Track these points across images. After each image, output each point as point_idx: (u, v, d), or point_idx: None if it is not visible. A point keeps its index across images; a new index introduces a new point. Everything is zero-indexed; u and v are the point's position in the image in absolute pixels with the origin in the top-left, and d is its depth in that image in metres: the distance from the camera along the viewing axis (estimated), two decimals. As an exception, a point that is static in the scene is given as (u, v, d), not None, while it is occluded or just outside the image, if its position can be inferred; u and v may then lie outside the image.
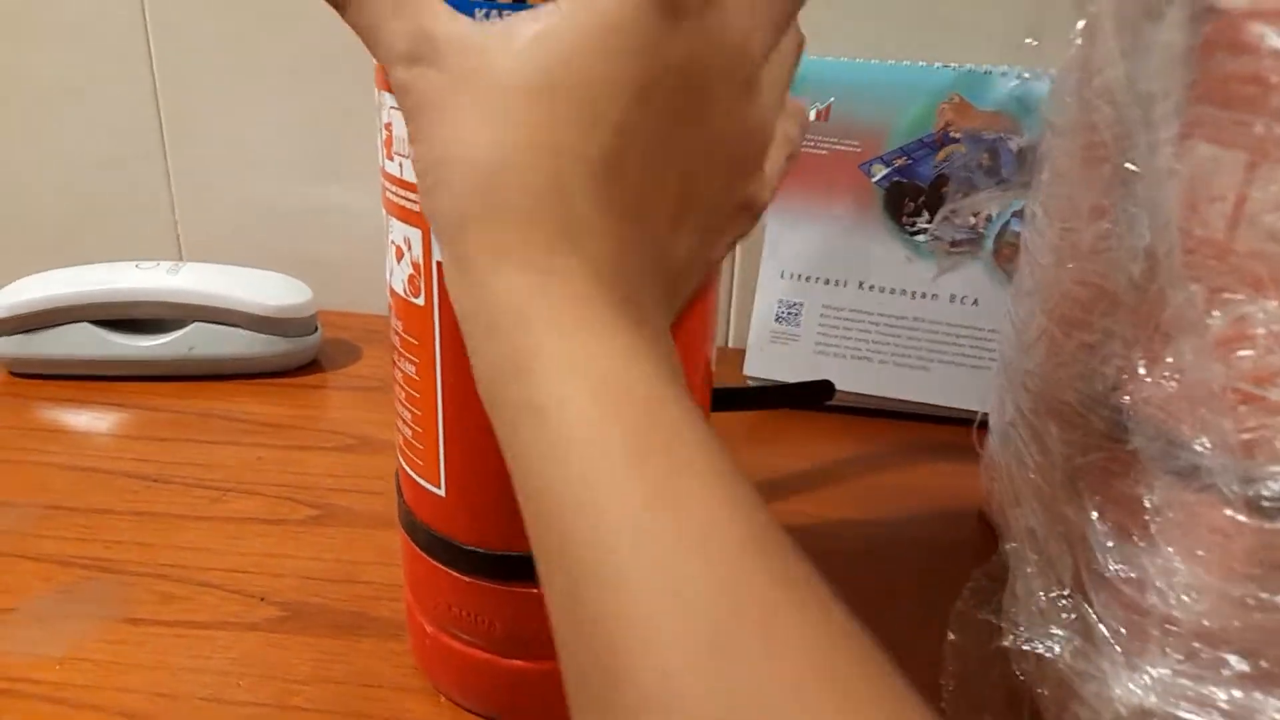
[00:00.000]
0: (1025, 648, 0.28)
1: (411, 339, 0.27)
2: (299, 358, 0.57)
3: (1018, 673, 0.28)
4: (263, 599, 0.37)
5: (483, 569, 0.29)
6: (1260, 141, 0.23)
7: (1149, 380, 0.26)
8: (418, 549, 0.30)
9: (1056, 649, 0.28)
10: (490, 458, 0.25)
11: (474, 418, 0.26)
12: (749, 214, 0.24)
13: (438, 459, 0.28)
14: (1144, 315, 0.26)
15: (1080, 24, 0.29)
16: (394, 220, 0.26)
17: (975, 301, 0.53)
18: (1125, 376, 0.28)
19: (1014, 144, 0.51)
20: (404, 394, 0.28)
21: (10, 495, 0.43)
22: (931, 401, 0.54)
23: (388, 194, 0.26)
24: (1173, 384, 0.25)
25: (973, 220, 0.52)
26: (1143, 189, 0.26)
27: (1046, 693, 0.28)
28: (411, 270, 0.26)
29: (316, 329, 0.58)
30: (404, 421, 0.29)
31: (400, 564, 0.39)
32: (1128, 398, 0.27)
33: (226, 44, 0.63)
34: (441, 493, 0.28)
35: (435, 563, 0.30)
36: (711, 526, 0.17)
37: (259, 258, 0.63)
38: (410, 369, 0.27)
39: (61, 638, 0.35)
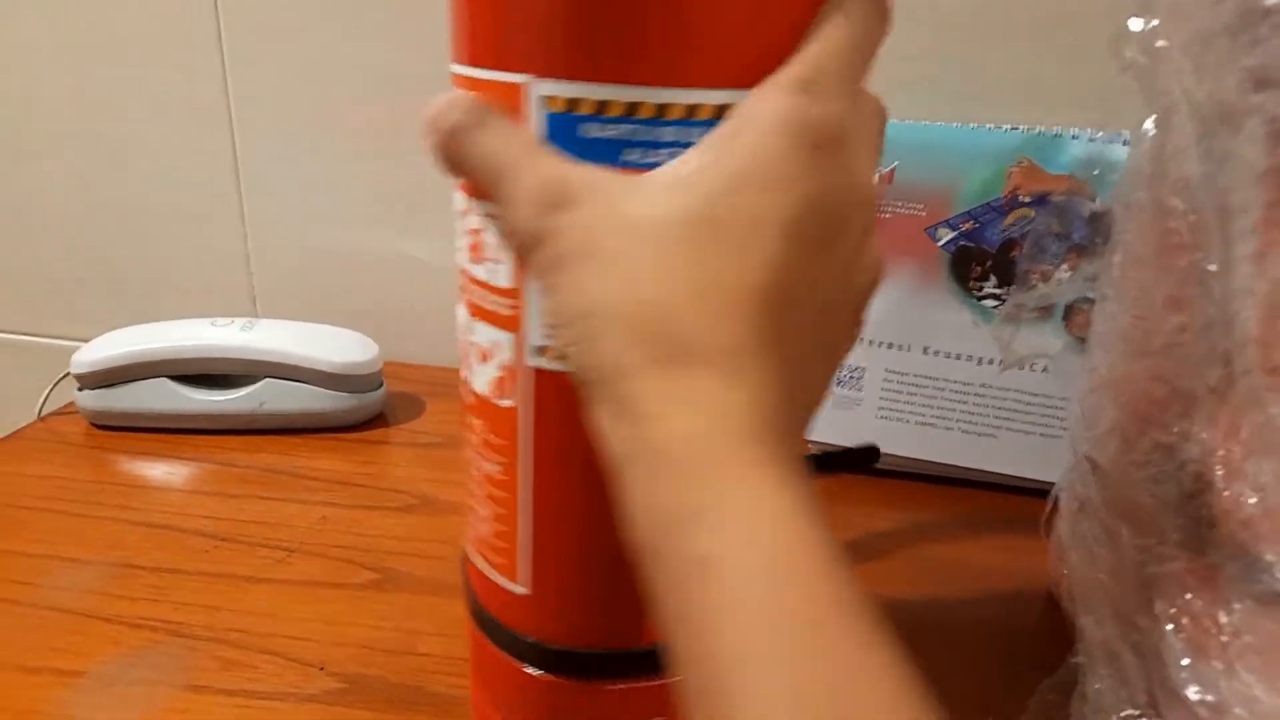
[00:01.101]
0: (1095, 768, 0.27)
1: (497, 439, 0.26)
2: (365, 412, 0.58)
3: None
4: (322, 668, 0.38)
5: (564, 667, 0.28)
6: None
7: (1227, 494, 0.25)
8: (490, 643, 0.30)
9: (1129, 771, 0.26)
10: (578, 557, 0.26)
11: (566, 520, 0.26)
12: (855, 341, 0.25)
13: (519, 558, 0.27)
14: (1223, 425, 0.25)
15: (1152, 117, 0.28)
16: (479, 323, 0.26)
17: (1045, 368, 0.52)
18: (1201, 486, 0.26)
19: (1086, 208, 0.50)
20: (483, 492, 0.28)
21: (87, 553, 0.45)
22: (1000, 470, 0.53)
23: (473, 298, 0.26)
24: (1253, 501, 0.24)
25: (1042, 285, 0.51)
26: (1220, 292, 0.25)
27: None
28: (500, 373, 0.25)
29: (382, 384, 0.59)
30: (481, 518, 0.28)
31: (458, 636, 0.39)
32: (1206, 510, 0.26)
33: (303, 99, 0.65)
34: (525, 591, 0.28)
35: (510, 658, 0.29)
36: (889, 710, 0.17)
37: (329, 308, 0.65)
38: (493, 469, 0.27)
39: (127, 706, 0.36)
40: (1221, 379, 0.26)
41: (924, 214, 0.52)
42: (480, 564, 0.29)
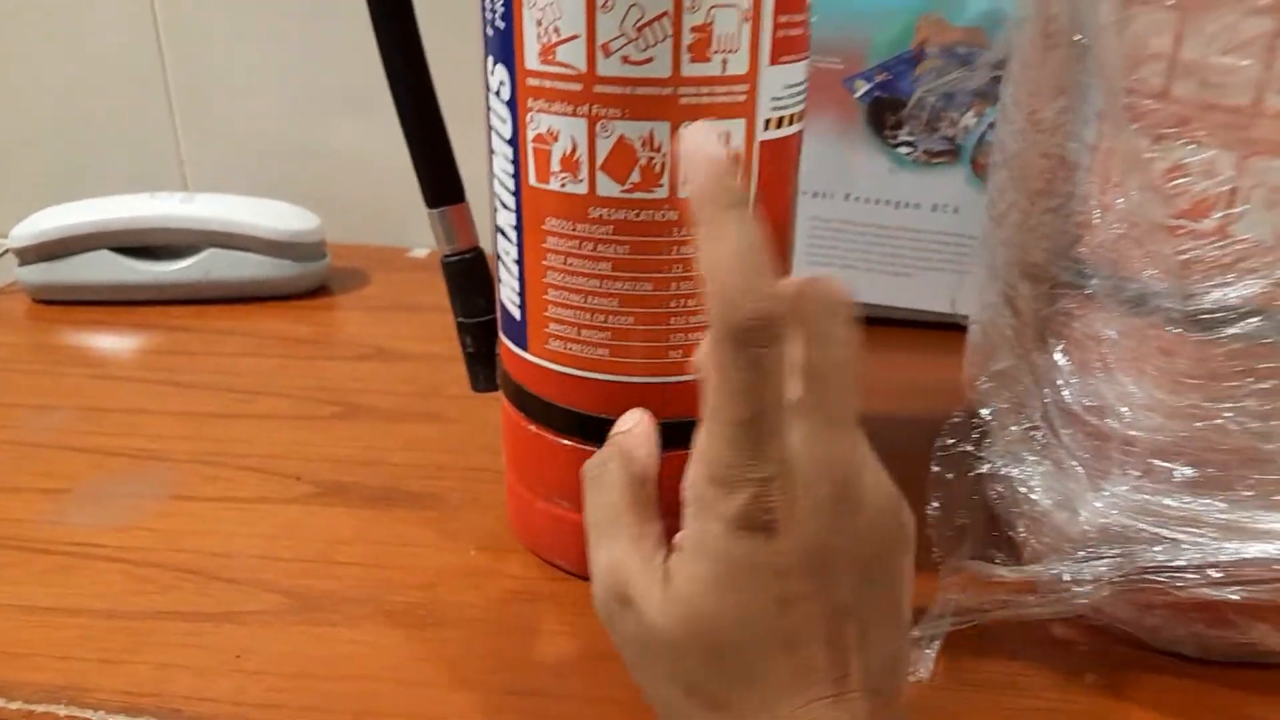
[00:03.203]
0: (1001, 473, 0.31)
1: None
2: (310, 280, 0.60)
3: (994, 496, 0.32)
4: (299, 478, 0.40)
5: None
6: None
7: (1101, 227, 0.29)
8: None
9: (1027, 473, 0.31)
10: None
11: None
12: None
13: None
14: (1098, 171, 0.30)
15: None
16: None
17: (955, 210, 0.56)
18: (1082, 231, 0.31)
19: (989, 58, 0.54)
20: (689, 297, 0.30)
21: (54, 400, 0.46)
22: (917, 307, 0.57)
23: (696, 100, 0.27)
24: (1121, 227, 0.28)
25: (951, 131, 0.55)
26: (1092, 59, 0.29)
27: (1020, 512, 0.31)
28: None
29: (326, 254, 0.61)
30: (673, 329, 0.30)
31: (430, 450, 0.42)
32: (1085, 249, 0.30)
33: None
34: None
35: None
36: None
37: (262, 193, 0.65)
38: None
39: (117, 512, 0.38)
40: (1097, 134, 0.30)
41: (841, 67, 0.55)
42: (669, 367, 0.31)
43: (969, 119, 0.55)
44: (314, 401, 0.47)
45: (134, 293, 0.57)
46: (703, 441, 0.23)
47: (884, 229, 0.57)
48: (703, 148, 0.23)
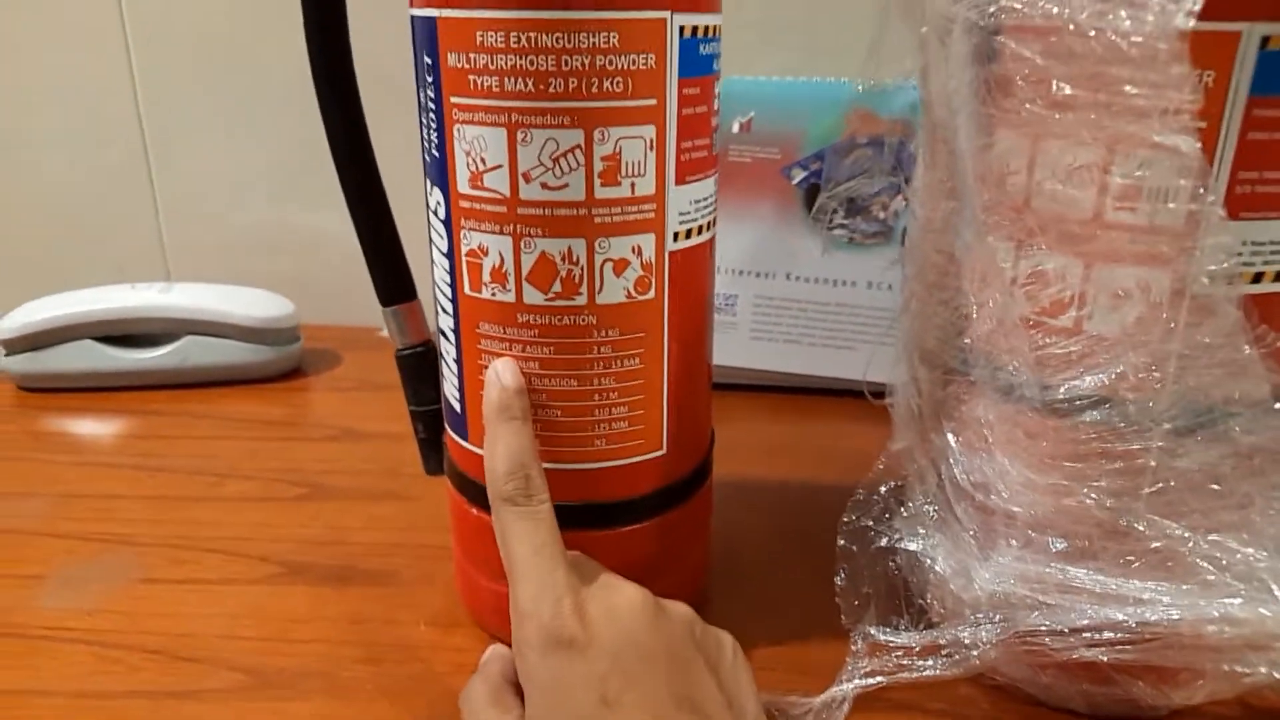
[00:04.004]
0: (899, 546, 0.34)
1: (634, 335, 0.32)
2: (284, 364, 0.63)
3: (894, 567, 0.35)
4: (263, 559, 0.43)
5: (688, 493, 0.36)
6: (1039, 126, 0.29)
7: (978, 321, 0.32)
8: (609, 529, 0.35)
9: (924, 546, 0.34)
10: (694, 402, 0.35)
11: (691, 374, 0.35)
12: None
13: (665, 426, 0.34)
14: (974, 271, 0.33)
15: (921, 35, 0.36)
16: (616, 239, 0.31)
17: (890, 286, 0.60)
18: (965, 323, 0.34)
19: (912, 146, 0.58)
20: (615, 395, 0.33)
21: (30, 488, 0.49)
22: (857, 378, 0.60)
23: (610, 220, 0.31)
24: (992, 322, 0.31)
25: (882, 215, 0.59)
26: (960, 166, 0.32)
27: (917, 581, 0.34)
28: (641, 273, 0.31)
29: (299, 338, 0.64)
30: (601, 421, 0.33)
31: (385, 529, 0.44)
32: (968, 339, 0.34)
33: (209, 75, 0.69)
34: (663, 452, 0.34)
35: (637, 522, 0.35)
36: None
37: (241, 279, 0.69)
38: (631, 364, 0.32)
39: (88, 596, 0.40)
40: (974, 236, 0.33)
41: (779, 157, 0.60)
42: (595, 454, 0.33)
43: (898, 203, 0.59)
44: (281, 483, 0.49)
45: (115, 379, 0.60)
46: (511, 603, 0.27)
47: (824, 305, 0.60)
48: (500, 377, 0.31)
